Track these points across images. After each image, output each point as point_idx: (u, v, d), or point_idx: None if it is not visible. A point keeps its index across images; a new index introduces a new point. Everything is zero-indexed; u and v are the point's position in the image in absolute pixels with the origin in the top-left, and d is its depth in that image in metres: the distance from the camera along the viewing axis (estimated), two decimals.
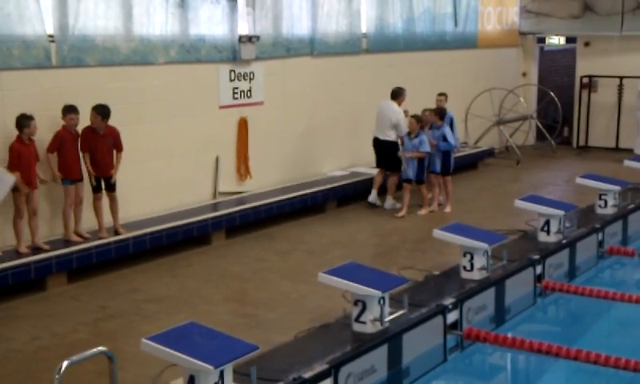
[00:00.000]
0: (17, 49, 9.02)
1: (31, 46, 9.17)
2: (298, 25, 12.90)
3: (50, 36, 9.40)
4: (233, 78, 11.88)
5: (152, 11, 10.58)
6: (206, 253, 10.29)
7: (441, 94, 13.46)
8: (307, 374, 5.80)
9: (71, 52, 9.63)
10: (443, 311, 7.24)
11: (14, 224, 8.89)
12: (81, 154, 9.42)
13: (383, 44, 14.70)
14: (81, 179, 9.43)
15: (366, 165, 13.62)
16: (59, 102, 9.22)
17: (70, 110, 9.19)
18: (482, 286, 7.87)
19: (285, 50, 12.68)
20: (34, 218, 9.01)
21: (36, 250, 8.90)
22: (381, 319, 6.58)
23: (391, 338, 6.59)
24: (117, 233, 9.64)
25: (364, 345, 6.39)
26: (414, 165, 12.03)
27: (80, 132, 9.41)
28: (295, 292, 8.66)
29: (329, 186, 12.69)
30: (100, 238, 9.45)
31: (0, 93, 8.88)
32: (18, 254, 8.75)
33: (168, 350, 5.28)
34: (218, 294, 8.62)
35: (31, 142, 8.91)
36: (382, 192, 12.62)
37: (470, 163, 16.02)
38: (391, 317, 6.71)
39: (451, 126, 12.88)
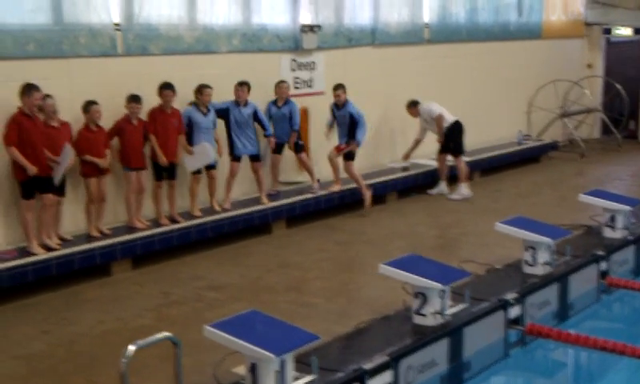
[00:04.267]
0: (84, 37, 9.18)
1: (97, 34, 9.33)
2: (359, 14, 12.86)
3: (116, 24, 9.54)
4: (294, 68, 11.90)
5: (215, 0, 10.65)
6: (267, 242, 10.35)
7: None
8: (367, 366, 5.79)
9: (136, 40, 9.76)
10: (505, 306, 7.15)
11: (86, 209, 9.08)
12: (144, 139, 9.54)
13: (445, 34, 14.56)
14: (143, 167, 9.56)
15: (426, 156, 13.52)
16: (124, 90, 9.36)
17: (132, 100, 9.31)
18: (545, 281, 7.75)
19: (346, 40, 12.66)
20: (102, 204, 9.18)
21: (104, 234, 9.09)
22: (442, 312, 6.54)
23: (452, 332, 6.54)
24: (174, 221, 9.76)
25: (424, 337, 6.35)
26: None
27: (144, 118, 9.53)
28: (355, 283, 8.66)
29: (389, 177, 12.66)
30: (160, 225, 9.57)
31: (68, 80, 9.05)
32: (87, 239, 8.93)
33: (230, 337, 5.32)
34: (279, 283, 8.67)
35: (99, 129, 9.06)
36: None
37: (533, 156, 15.81)
38: (452, 310, 6.65)
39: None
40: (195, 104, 10.06)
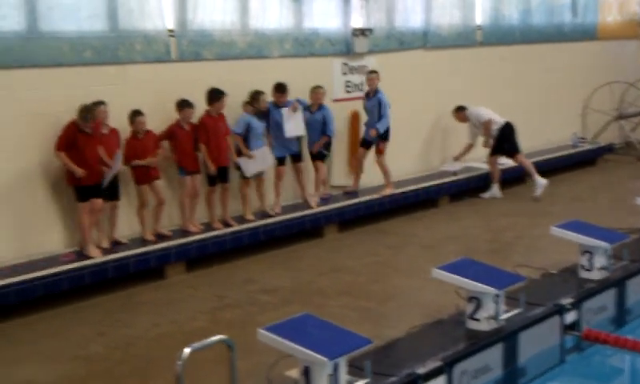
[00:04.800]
0: (139, 43, 9.32)
1: (152, 40, 9.46)
2: (411, 17, 12.84)
3: (170, 31, 9.66)
4: (345, 72, 11.92)
5: (267, 5, 10.74)
6: (319, 246, 10.37)
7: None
8: (421, 370, 5.75)
9: (190, 46, 9.88)
10: (560, 311, 7.04)
11: (138, 213, 9.22)
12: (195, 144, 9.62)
13: (498, 36, 14.44)
14: (197, 171, 9.65)
15: (478, 159, 13.42)
16: (177, 95, 9.47)
17: (184, 105, 9.40)
18: (602, 286, 7.62)
19: (398, 43, 12.63)
20: (160, 207, 9.30)
21: (160, 237, 9.22)
22: (496, 317, 6.46)
23: (507, 337, 6.46)
24: (227, 224, 9.83)
25: (479, 342, 6.29)
26: None
27: (197, 123, 9.60)
28: (407, 287, 8.62)
29: (441, 181, 12.59)
30: (213, 229, 9.65)
31: (124, 86, 9.19)
32: (143, 242, 9.06)
33: (284, 340, 5.34)
34: (331, 287, 8.67)
35: (146, 135, 9.17)
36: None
37: (589, 159, 15.57)
38: (507, 315, 6.58)
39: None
40: (251, 110, 10.13)
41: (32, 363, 6.78)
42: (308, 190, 10.94)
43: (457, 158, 13.20)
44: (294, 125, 10.50)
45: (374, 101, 11.33)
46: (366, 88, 11.56)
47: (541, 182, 12.67)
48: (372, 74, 11.45)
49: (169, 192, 9.63)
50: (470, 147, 13.12)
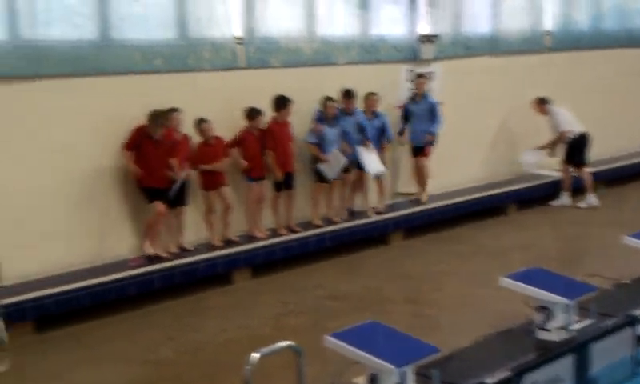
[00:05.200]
0: (207, 51, 9.45)
1: (220, 48, 9.58)
2: (478, 23, 12.72)
3: (238, 38, 9.76)
4: (411, 78, 11.85)
5: (334, 12, 10.77)
6: (384, 253, 10.34)
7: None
8: (489, 380, 5.65)
9: (257, 53, 9.97)
10: (633, 322, 6.85)
11: (205, 218, 9.32)
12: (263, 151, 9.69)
13: (568, 41, 14.21)
14: (263, 177, 9.71)
15: (548, 167, 13.22)
16: (245, 102, 9.57)
17: (255, 113, 9.49)
18: None
19: (464, 49, 12.53)
20: (227, 212, 9.39)
21: (228, 242, 9.30)
22: (566, 327, 6.34)
23: (578, 348, 6.32)
24: (292, 230, 9.87)
25: (549, 353, 6.17)
26: None
27: (264, 129, 9.68)
28: (474, 295, 8.52)
29: (509, 189, 12.43)
30: (279, 236, 9.70)
31: (193, 93, 9.32)
32: (209, 248, 9.16)
33: (351, 347, 5.32)
34: (397, 294, 8.63)
35: (217, 140, 9.27)
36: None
37: None
38: (578, 325, 6.44)
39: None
40: (322, 118, 10.15)
41: (103, 366, 6.91)
42: (369, 199, 10.89)
43: (545, 148, 12.79)
44: (374, 162, 10.53)
45: (423, 105, 11.22)
46: (409, 94, 11.38)
47: (592, 200, 12.43)
48: (421, 77, 11.34)
49: (235, 198, 9.72)
50: (563, 135, 12.66)
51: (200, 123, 9.17)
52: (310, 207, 10.29)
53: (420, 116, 11.26)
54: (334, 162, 10.18)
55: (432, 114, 11.24)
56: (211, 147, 9.21)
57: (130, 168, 8.63)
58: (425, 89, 11.32)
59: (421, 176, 11.50)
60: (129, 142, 8.60)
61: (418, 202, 11.36)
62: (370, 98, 10.76)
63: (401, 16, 11.60)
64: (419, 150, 11.42)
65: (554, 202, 12.62)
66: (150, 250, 8.74)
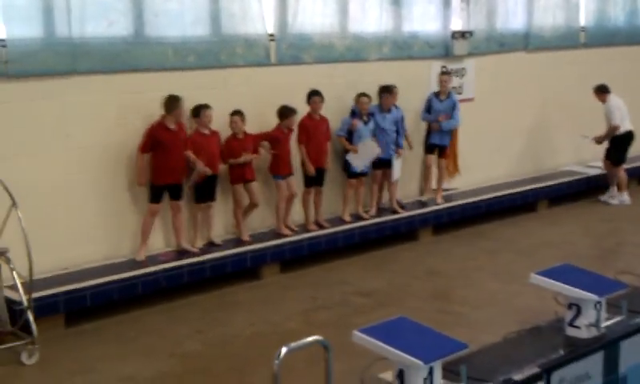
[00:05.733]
0: (240, 47, 9.48)
1: (253, 44, 9.61)
2: (512, 19, 12.66)
3: (271, 35, 9.79)
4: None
5: (367, 8, 10.76)
6: (413, 249, 10.33)
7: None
8: (517, 377, 5.64)
9: (289, 50, 9.99)
10: None
11: (235, 213, 9.38)
12: (294, 149, 9.71)
13: (603, 38, 14.07)
14: (291, 173, 9.74)
15: (581, 163, 13.13)
16: (277, 98, 9.59)
17: (290, 112, 9.48)
18: None
19: (498, 45, 12.46)
20: (252, 208, 9.44)
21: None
22: (597, 325, 6.29)
23: (608, 345, 6.27)
24: (321, 226, 9.89)
25: (578, 350, 6.13)
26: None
27: (298, 126, 9.71)
28: (503, 292, 8.49)
29: (540, 185, 12.36)
30: (308, 231, 9.73)
31: (225, 90, 9.37)
32: (238, 243, 9.19)
33: (379, 343, 5.32)
34: (425, 291, 8.63)
35: (245, 136, 9.25)
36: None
37: None
38: (608, 322, 6.39)
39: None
40: (355, 112, 10.18)
41: (134, 359, 6.99)
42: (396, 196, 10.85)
43: (599, 141, 12.66)
44: (398, 169, 10.55)
45: (448, 102, 10.97)
46: (438, 88, 11.05)
47: (626, 199, 12.37)
48: (446, 74, 11.10)
49: (265, 193, 9.76)
50: (614, 129, 12.53)
51: (232, 115, 9.20)
52: (341, 203, 10.30)
53: (443, 114, 10.95)
54: (364, 152, 10.13)
55: (452, 111, 10.97)
56: (239, 142, 9.24)
57: (139, 169, 8.54)
58: (449, 86, 11.13)
59: (439, 176, 11.26)
60: (144, 143, 8.53)
61: (433, 203, 11.12)
62: (386, 95, 10.47)
63: (434, 12, 11.54)
64: (439, 149, 11.15)
65: (605, 197, 12.64)
66: (142, 256, 8.62)
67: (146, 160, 8.57)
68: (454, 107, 11.00)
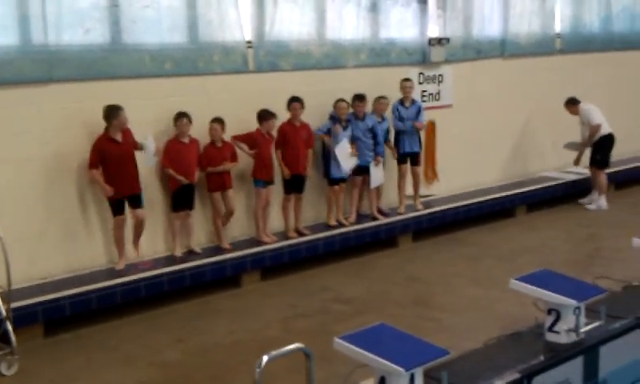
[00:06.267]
0: (218, 54, 9.47)
1: (230, 51, 9.59)
2: (488, 26, 12.73)
3: (248, 42, 9.78)
4: (422, 81, 11.85)
5: (344, 16, 10.78)
6: (393, 255, 10.34)
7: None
8: (498, 382, 5.66)
9: (267, 57, 9.98)
10: None
11: (214, 222, 9.34)
12: (274, 154, 9.70)
13: (578, 44, 14.18)
14: (272, 182, 9.72)
15: (556, 169, 13.22)
16: (255, 105, 9.57)
17: (267, 115, 9.47)
18: None
19: (475, 52, 12.52)
20: (229, 216, 9.39)
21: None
22: (576, 330, 6.33)
23: (587, 350, 6.31)
24: (300, 233, 9.88)
25: (558, 355, 6.16)
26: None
27: (277, 131, 9.70)
28: (483, 298, 8.51)
29: (517, 191, 12.42)
30: (287, 238, 9.71)
31: (203, 97, 9.35)
32: (218, 251, 9.16)
33: (359, 350, 5.32)
34: (405, 297, 8.63)
35: (224, 144, 9.24)
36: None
37: None
38: (587, 328, 6.43)
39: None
40: (334, 118, 10.19)
41: (114, 368, 6.94)
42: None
43: (576, 163, 12.83)
44: (378, 177, 10.55)
45: (413, 108, 10.97)
46: (401, 96, 10.97)
47: (603, 204, 12.46)
48: (408, 81, 11.02)
49: (242, 202, 9.74)
50: (582, 150, 12.72)
51: (212, 122, 9.16)
52: (322, 210, 10.32)
53: (408, 121, 10.91)
54: (341, 154, 10.09)
55: (418, 117, 10.97)
56: (218, 149, 9.21)
57: (101, 186, 8.34)
58: (412, 93, 11.06)
59: (415, 185, 11.24)
60: (91, 160, 8.32)
61: (412, 209, 11.11)
62: (381, 101, 10.71)
63: (411, 19, 11.58)
64: (412, 157, 11.09)
65: (583, 200, 12.72)
66: (121, 265, 8.51)
67: (100, 173, 8.34)
68: (419, 112, 11.01)
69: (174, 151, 8.88)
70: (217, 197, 9.27)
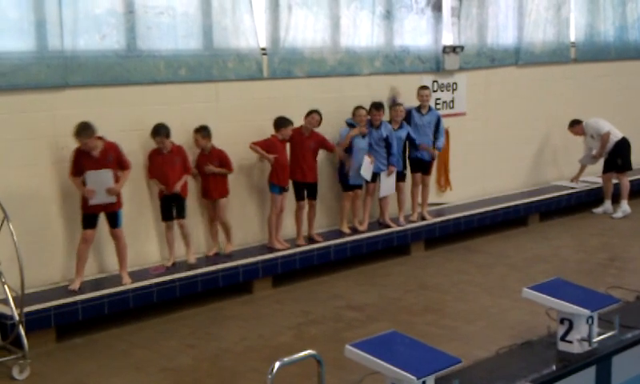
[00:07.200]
0: (232, 61, 9.49)
1: (245, 58, 9.62)
2: (503, 34, 12.71)
3: (263, 49, 9.81)
4: (436, 89, 11.83)
5: (358, 23, 10.79)
6: (405, 263, 10.32)
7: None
8: None
9: (281, 64, 10.00)
10: None
11: (209, 229, 9.39)
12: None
13: (593, 53, 14.14)
14: (287, 189, 9.74)
15: (566, 178, 13.22)
16: (268, 112, 9.60)
17: (287, 122, 9.47)
18: None
19: (489, 60, 12.50)
20: (222, 225, 9.36)
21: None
22: (589, 339, 6.31)
23: (600, 360, 6.30)
24: (313, 240, 9.89)
25: (570, 365, 6.15)
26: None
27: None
28: (496, 306, 8.49)
29: (531, 199, 12.38)
30: (298, 245, 9.72)
31: (216, 103, 9.39)
32: (224, 258, 9.14)
33: (371, 357, 5.33)
34: (417, 305, 8.62)
35: (212, 151, 9.16)
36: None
37: None
38: (600, 337, 6.41)
39: None
40: (352, 125, 10.19)
41: (125, 373, 6.94)
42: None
43: (574, 180, 13.01)
44: (389, 187, 10.55)
45: (429, 117, 10.93)
46: (418, 103, 10.94)
47: (627, 209, 12.40)
48: (425, 89, 11.01)
49: (254, 207, 9.77)
50: (584, 168, 12.94)
51: (194, 132, 9.07)
52: (335, 216, 10.34)
53: (423, 128, 10.87)
54: (366, 169, 10.12)
55: (437, 128, 10.97)
56: (206, 157, 9.13)
57: (82, 191, 8.04)
58: (429, 101, 11.03)
59: (424, 194, 11.16)
60: (70, 168, 8.05)
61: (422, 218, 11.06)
62: (396, 108, 10.69)
63: (425, 27, 11.58)
64: (424, 166, 11.07)
65: (597, 210, 12.67)
66: (76, 285, 8.08)
67: (80, 181, 8.10)
68: (438, 122, 10.99)
69: (156, 162, 8.81)
70: (205, 204, 9.29)
